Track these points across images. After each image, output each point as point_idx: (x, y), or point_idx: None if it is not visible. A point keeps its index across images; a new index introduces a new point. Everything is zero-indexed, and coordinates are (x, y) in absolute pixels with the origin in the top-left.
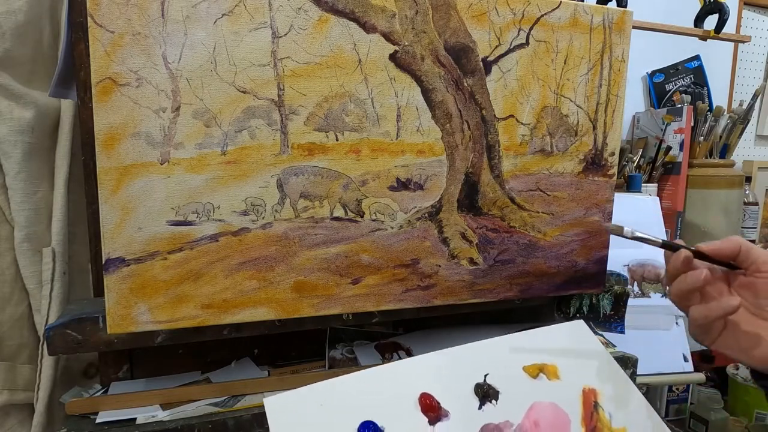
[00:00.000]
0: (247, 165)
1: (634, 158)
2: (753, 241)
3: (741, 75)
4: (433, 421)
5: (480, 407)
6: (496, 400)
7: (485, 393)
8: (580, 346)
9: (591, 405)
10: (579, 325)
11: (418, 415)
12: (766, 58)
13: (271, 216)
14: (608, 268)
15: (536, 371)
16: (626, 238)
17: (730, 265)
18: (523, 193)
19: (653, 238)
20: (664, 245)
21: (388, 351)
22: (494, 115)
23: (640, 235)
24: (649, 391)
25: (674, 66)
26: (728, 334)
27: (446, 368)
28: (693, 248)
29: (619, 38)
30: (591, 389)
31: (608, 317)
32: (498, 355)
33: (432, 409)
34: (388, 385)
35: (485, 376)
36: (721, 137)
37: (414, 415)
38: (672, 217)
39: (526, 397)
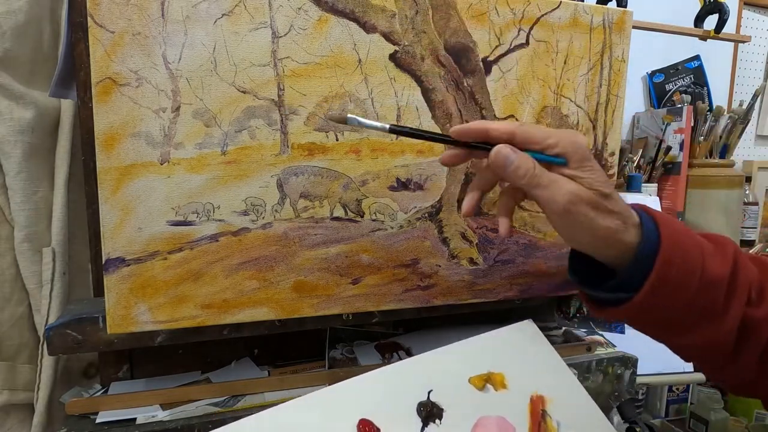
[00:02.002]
0: (247, 165)
1: (634, 158)
2: (752, 242)
3: (741, 75)
4: None
5: (423, 429)
6: (440, 419)
7: (429, 412)
8: (528, 350)
9: (538, 414)
10: (527, 326)
11: None
12: (766, 58)
13: (271, 216)
14: None
15: (482, 382)
16: (352, 124)
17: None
18: None
19: (374, 123)
20: (392, 130)
21: (388, 351)
22: (494, 115)
23: (361, 120)
24: (649, 391)
25: (674, 66)
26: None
27: (388, 388)
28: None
29: (619, 38)
30: (539, 396)
31: None
32: (443, 367)
33: None
34: (323, 414)
35: (429, 392)
36: (721, 137)
37: None
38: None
39: (472, 413)
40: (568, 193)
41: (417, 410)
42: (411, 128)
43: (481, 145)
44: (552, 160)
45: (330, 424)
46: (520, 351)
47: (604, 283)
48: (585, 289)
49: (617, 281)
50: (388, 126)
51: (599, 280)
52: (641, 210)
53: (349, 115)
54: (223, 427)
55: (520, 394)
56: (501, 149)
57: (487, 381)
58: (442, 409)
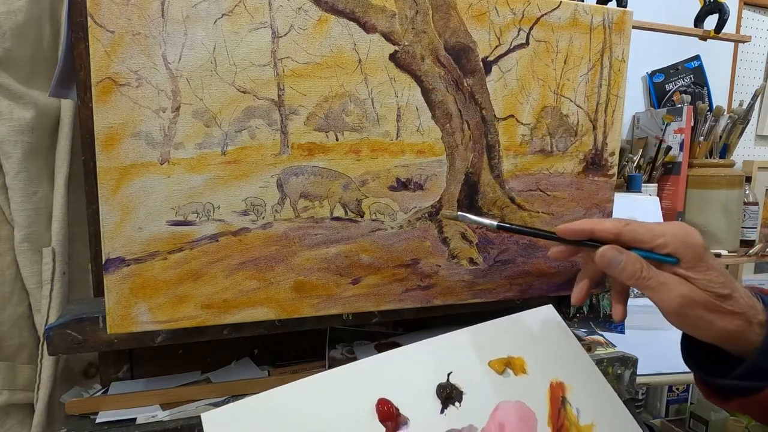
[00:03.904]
0: (247, 165)
1: (634, 158)
2: (752, 242)
3: (741, 75)
4: (391, 431)
5: (442, 411)
6: (460, 402)
7: (448, 395)
8: (548, 335)
9: (558, 401)
10: (548, 311)
11: (375, 425)
12: (766, 58)
13: (271, 216)
14: None
15: (502, 366)
16: (463, 221)
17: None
18: (523, 193)
19: (483, 220)
20: (499, 228)
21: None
22: (494, 115)
23: (472, 217)
24: (649, 391)
25: (674, 66)
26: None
27: (406, 368)
28: (554, 234)
29: (619, 38)
30: (559, 383)
31: (608, 317)
32: (462, 349)
33: (390, 417)
34: (341, 392)
35: (448, 375)
36: (721, 137)
37: (370, 424)
38: (672, 217)
39: (492, 397)
40: (679, 296)
41: (436, 392)
42: (518, 226)
43: (588, 242)
44: (662, 259)
45: (348, 403)
46: (540, 336)
47: (727, 371)
48: (707, 377)
49: (744, 370)
50: (495, 224)
51: (721, 367)
52: (765, 296)
53: (459, 213)
54: (222, 407)
55: (539, 380)
56: (605, 252)
57: (507, 365)
58: (461, 392)
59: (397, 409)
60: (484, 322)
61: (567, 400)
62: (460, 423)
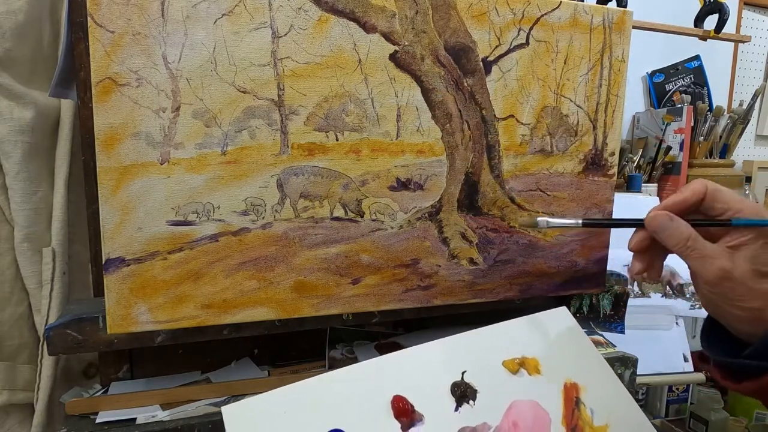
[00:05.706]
0: (247, 165)
1: (634, 158)
2: None
3: (741, 75)
4: (406, 427)
5: (456, 409)
6: (474, 400)
7: (462, 393)
8: (562, 336)
9: (572, 401)
10: (562, 313)
11: (390, 421)
12: (766, 58)
13: (271, 216)
14: (608, 268)
15: (516, 366)
16: (542, 228)
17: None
18: (523, 193)
19: (570, 223)
20: (585, 225)
21: (388, 351)
22: (494, 115)
23: (555, 222)
24: (649, 391)
25: (674, 66)
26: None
27: (421, 366)
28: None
29: (619, 38)
30: (573, 384)
31: (608, 317)
32: (477, 349)
33: (405, 413)
34: (358, 388)
35: (463, 373)
36: (721, 137)
37: (386, 420)
38: None
39: (506, 396)
40: (719, 269)
41: (451, 390)
42: (602, 220)
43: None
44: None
45: (364, 398)
46: (554, 337)
47: (739, 353)
48: (723, 357)
49: (755, 349)
50: (580, 221)
51: (732, 351)
52: None
53: (539, 219)
54: (241, 401)
55: (553, 381)
56: (656, 216)
57: (521, 365)
58: (476, 390)
59: (412, 406)
60: (499, 323)
61: (581, 400)
62: (474, 421)
